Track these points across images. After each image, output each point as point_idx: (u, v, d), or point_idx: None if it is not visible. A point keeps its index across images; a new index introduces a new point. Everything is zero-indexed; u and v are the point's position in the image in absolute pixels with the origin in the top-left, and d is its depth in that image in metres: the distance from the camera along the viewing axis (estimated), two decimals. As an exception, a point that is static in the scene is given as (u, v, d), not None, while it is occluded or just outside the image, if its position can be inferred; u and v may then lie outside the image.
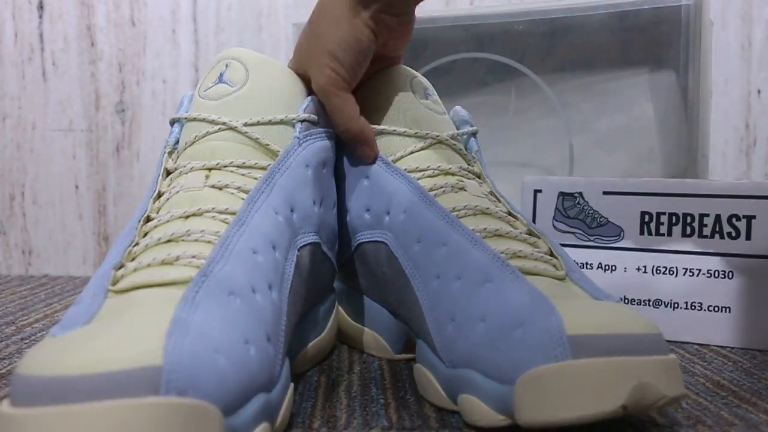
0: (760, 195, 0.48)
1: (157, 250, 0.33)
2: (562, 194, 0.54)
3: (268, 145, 0.40)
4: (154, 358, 0.24)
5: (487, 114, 0.71)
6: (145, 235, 0.35)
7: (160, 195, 0.38)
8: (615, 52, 0.68)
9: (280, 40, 0.82)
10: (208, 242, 0.33)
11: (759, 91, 0.74)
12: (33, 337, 0.49)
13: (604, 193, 0.53)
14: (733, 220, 0.49)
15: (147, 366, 0.24)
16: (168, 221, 0.35)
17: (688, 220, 0.50)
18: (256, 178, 0.38)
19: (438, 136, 0.44)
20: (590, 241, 0.53)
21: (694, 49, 0.57)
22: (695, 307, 0.50)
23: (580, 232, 0.53)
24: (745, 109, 0.74)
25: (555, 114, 0.65)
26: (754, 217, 0.48)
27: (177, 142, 0.42)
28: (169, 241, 0.33)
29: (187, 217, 0.35)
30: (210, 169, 0.38)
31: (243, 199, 0.37)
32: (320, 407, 0.35)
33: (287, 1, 0.82)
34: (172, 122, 0.42)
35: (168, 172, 0.40)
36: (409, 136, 0.44)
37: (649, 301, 0.51)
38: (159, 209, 0.37)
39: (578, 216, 0.53)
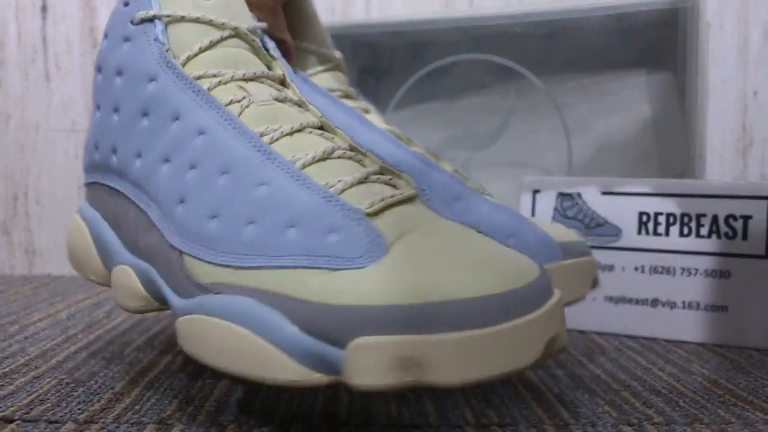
0: (757, 195, 0.49)
1: (330, 170, 0.31)
2: (560, 194, 0.54)
3: (266, 54, 0.36)
4: (535, 267, 0.28)
5: (487, 115, 0.71)
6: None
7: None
8: (613, 54, 0.68)
9: (280, 42, 0.83)
10: (350, 159, 0.32)
11: (755, 93, 0.74)
12: (36, 336, 0.50)
13: (603, 193, 0.53)
14: (730, 220, 0.49)
15: (540, 274, 0.27)
16: (278, 139, 0.32)
17: (686, 220, 0.51)
18: (279, 90, 0.35)
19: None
20: (588, 240, 0.53)
21: (691, 50, 0.57)
22: (693, 306, 0.50)
23: (579, 232, 0.54)
24: (742, 110, 0.75)
25: (554, 115, 0.66)
26: (750, 217, 0.49)
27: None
28: (321, 159, 0.31)
29: (293, 133, 0.32)
30: (247, 80, 0.34)
31: (304, 112, 0.34)
32: (321, 404, 0.36)
33: (288, 2, 0.82)
34: (149, 19, 0.34)
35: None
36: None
37: (647, 300, 0.52)
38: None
39: (577, 216, 0.54)
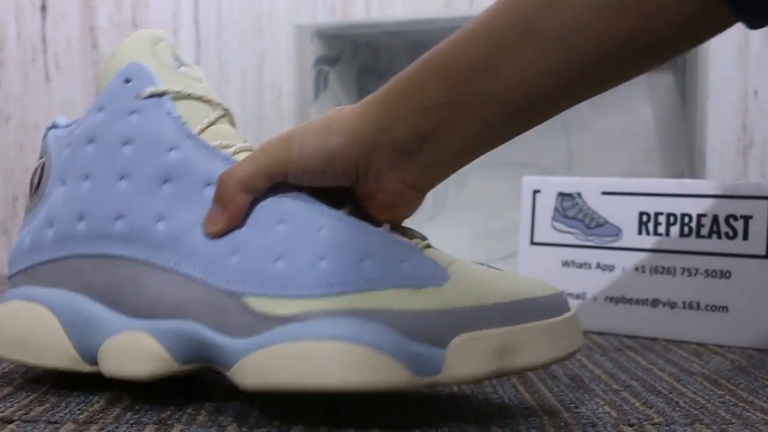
0: (757, 195, 0.49)
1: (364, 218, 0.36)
2: (561, 194, 0.54)
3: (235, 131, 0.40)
4: (554, 288, 0.33)
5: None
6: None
7: None
8: (613, 54, 0.68)
9: (280, 42, 0.83)
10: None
11: (756, 92, 0.74)
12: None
13: (603, 193, 0.53)
14: (731, 220, 0.49)
15: (558, 291, 0.33)
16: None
17: (686, 220, 0.51)
18: None
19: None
20: (589, 241, 0.53)
21: (691, 50, 0.57)
22: (693, 306, 0.50)
23: (579, 232, 0.54)
24: (742, 110, 0.75)
25: (554, 115, 0.66)
26: (751, 217, 0.49)
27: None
28: (350, 210, 0.36)
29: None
30: (246, 152, 0.37)
31: None
32: (322, 404, 0.36)
33: (288, 3, 0.83)
34: (158, 94, 0.37)
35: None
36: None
37: (647, 300, 0.52)
38: None
39: (577, 216, 0.54)
